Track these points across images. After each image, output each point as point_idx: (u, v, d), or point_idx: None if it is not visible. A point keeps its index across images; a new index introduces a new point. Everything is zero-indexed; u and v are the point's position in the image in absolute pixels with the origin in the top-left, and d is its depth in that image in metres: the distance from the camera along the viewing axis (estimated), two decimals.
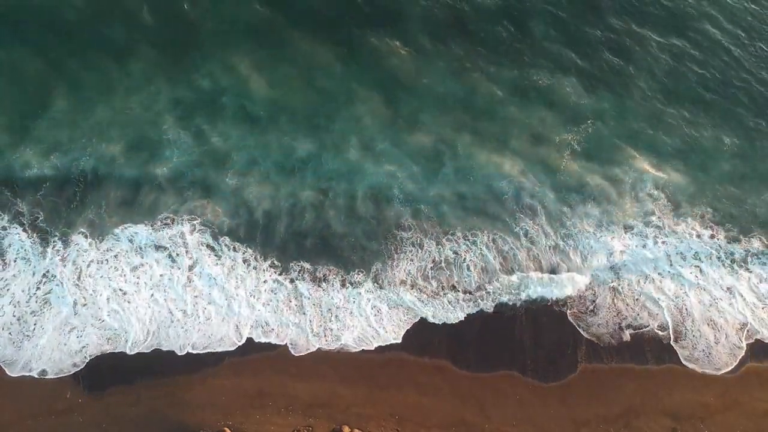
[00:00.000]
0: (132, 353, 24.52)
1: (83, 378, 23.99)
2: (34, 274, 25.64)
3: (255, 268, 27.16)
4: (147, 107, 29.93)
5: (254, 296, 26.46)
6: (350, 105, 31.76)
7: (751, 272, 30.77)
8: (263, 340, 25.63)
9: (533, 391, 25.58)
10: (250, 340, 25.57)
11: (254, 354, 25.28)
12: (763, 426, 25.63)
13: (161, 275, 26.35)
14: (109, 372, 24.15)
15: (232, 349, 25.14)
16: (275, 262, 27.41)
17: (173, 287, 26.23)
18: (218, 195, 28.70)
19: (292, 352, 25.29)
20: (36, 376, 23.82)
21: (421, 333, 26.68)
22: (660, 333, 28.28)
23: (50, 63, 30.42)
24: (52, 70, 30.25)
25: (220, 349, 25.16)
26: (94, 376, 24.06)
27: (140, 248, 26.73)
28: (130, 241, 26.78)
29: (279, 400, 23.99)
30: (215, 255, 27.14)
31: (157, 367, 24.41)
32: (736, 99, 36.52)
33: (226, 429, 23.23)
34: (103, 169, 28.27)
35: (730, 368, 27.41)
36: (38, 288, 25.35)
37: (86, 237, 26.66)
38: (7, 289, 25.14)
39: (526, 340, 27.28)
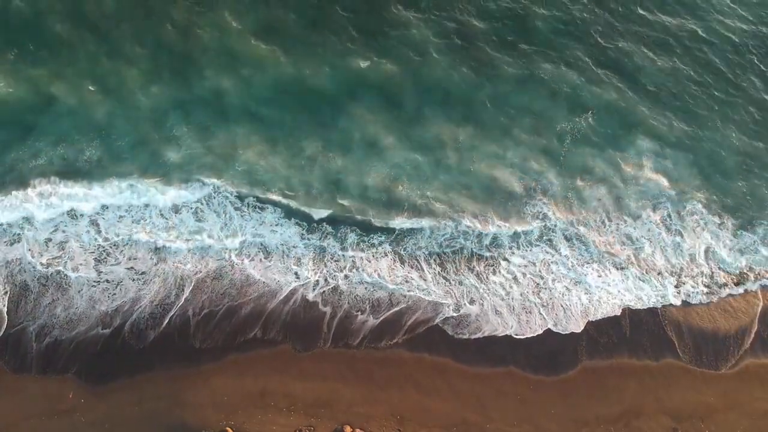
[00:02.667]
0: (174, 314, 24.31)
1: (85, 377, 23.18)
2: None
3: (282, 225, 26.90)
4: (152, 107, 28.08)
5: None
6: (353, 102, 30.06)
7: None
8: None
9: (534, 390, 24.93)
10: (252, 337, 24.69)
11: (255, 351, 24.45)
12: (763, 425, 25.07)
13: (193, 227, 25.91)
14: (111, 372, 23.34)
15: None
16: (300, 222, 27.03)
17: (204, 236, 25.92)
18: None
19: (297, 351, 24.51)
20: (37, 375, 23.03)
21: (422, 330, 25.93)
22: None
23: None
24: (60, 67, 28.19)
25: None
26: (97, 375, 23.25)
27: (163, 210, 25.99)
28: (148, 205, 25.93)
29: (281, 399, 23.30)
30: (243, 213, 26.63)
31: (160, 366, 23.62)
32: (743, 89, 34.98)
33: (228, 429, 22.63)
34: (110, 158, 26.67)
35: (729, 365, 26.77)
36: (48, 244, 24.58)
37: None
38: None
39: (525, 339, 26.51)
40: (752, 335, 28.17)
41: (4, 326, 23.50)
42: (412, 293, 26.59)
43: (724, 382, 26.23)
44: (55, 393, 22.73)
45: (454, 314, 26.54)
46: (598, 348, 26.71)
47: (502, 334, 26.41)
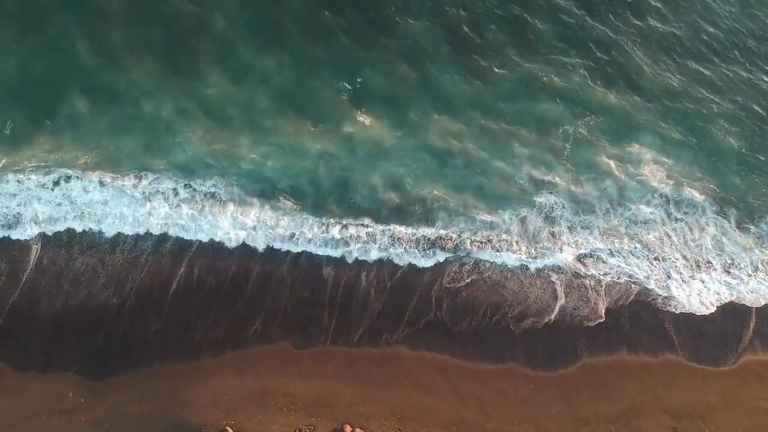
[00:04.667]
0: None
1: (85, 377, 22.52)
2: None
3: None
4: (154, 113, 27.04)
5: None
6: (356, 104, 28.89)
7: None
8: None
9: (534, 389, 24.34)
10: (252, 333, 23.97)
11: (255, 349, 23.78)
12: (763, 424, 24.53)
13: None
14: (111, 371, 22.71)
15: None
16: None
17: None
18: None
19: None
20: (37, 373, 22.37)
21: (422, 325, 25.28)
22: None
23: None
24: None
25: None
26: (96, 374, 22.61)
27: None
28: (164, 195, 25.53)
29: (281, 399, 22.69)
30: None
31: (160, 365, 22.99)
32: (745, 91, 33.91)
33: (228, 428, 22.06)
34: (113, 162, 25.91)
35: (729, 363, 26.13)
36: None
37: None
38: None
39: (525, 334, 25.79)
40: (750, 331, 27.50)
41: (30, 269, 23.29)
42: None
43: (723, 380, 25.64)
44: (55, 392, 22.11)
45: (464, 282, 26.15)
46: (598, 344, 26.06)
47: (508, 307, 26.01)
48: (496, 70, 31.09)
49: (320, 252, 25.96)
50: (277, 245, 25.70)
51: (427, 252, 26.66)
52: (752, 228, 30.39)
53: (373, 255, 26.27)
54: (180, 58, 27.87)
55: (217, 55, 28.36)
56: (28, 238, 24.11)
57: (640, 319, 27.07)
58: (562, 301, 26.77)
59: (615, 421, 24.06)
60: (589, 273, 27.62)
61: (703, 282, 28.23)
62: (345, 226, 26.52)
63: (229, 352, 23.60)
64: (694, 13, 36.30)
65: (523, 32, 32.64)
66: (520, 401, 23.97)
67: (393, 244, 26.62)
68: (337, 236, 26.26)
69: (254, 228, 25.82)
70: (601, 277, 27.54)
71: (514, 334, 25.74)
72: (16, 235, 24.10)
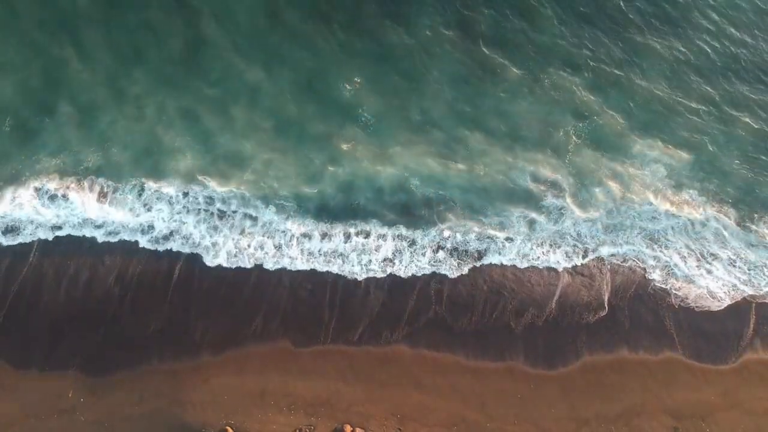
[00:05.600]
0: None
1: (85, 376, 22.32)
2: None
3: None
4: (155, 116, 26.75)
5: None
6: (358, 106, 28.52)
7: None
8: None
9: (535, 389, 24.13)
10: (252, 332, 23.69)
11: (255, 348, 23.56)
12: (764, 424, 24.31)
13: None
14: (111, 371, 22.51)
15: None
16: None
17: None
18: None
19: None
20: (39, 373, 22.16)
21: (422, 323, 25.04)
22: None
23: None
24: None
25: None
26: (96, 374, 22.41)
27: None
28: (169, 203, 25.41)
29: (281, 399, 22.50)
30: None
31: (160, 365, 22.80)
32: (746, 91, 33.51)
33: (228, 428, 21.87)
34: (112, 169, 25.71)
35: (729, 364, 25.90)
36: None
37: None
38: None
39: (525, 331, 25.56)
40: (751, 329, 27.25)
41: (29, 271, 23.35)
42: None
43: (724, 380, 25.40)
44: (54, 392, 21.94)
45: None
46: (598, 342, 25.83)
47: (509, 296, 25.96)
48: (497, 73, 30.75)
49: (324, 269, 25.46)
50: (267, 265, 25.16)
51: (432, 257, 26.31)
52: (753, 227, 30.11)
53: (375, 267, 25.88)
54: (176, 68, 27.56)
55: (215, 62, 28.07)
56: (26, 241, 23.86)
57: (640, 316, 26.81)
58: (565, 279, 26.60)
59: (615, 420, 23.86)
60: (592, 264, 27.50)
61: (710, 274, 28.07)
62: (348, 238, 26.17)
63: (229, 351, 23.41)
64: (693, 22, 35.87)
65: (524, 37, 32.23)
66: (521, 400, 23.77)
67: (397, 253, 26.24)
68: (339, 249, 25.89)
69: (252, 245, 25.55)
70: (605, 265, 27.55)
71: (515, 332, 25.49)
72: (15, 239, 23.90)
